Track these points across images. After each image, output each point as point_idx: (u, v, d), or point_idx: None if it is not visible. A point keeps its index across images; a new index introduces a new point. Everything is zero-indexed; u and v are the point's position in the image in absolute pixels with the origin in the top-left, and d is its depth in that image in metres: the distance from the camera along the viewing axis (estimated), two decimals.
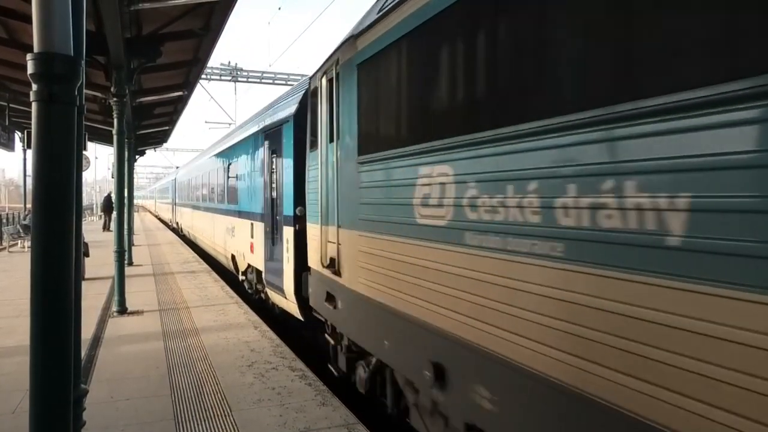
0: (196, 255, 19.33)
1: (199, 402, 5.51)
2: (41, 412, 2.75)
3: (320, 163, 6.29)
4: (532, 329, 2.85)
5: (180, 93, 15.50)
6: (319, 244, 6.34)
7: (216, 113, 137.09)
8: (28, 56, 2.64)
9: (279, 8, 27.47)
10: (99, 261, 15.21)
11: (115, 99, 9.82)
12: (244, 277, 12.68)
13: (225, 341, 7.78)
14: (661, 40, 2.18)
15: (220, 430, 4.88)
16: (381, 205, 4.62)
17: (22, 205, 26.03)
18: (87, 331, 7.85)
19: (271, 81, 32.88)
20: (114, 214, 10.74)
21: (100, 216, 35.98)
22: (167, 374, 6.36)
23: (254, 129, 11.31)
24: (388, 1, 4.59)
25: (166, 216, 39.64)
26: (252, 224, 11.14)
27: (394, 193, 4.36)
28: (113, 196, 34.85)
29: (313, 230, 6.82)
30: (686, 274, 2.07)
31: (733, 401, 1.92)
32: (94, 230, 29.29)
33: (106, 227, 30.37)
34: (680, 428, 2.09)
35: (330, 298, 6.20)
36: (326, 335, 6.92)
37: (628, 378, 2.30)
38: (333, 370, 6.84)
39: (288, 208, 8.56)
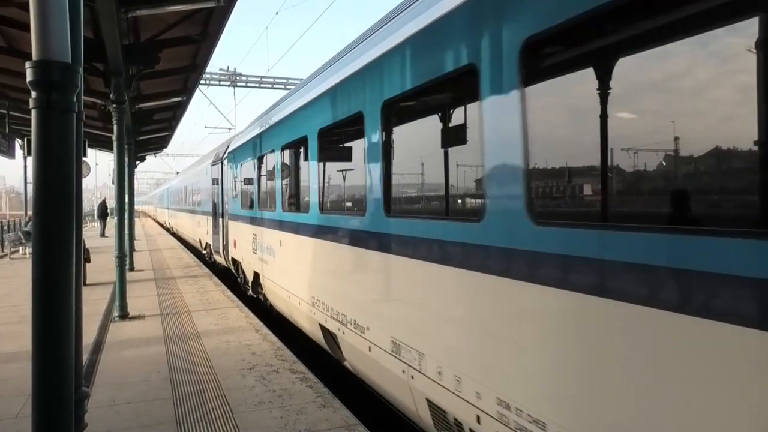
0: (197, 259, 19.37)
1: (201, 405, 5.55)
2: (43, 414, 2.80)
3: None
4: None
5: (179, 99, 15.58)
6: None
7: (216, 118, 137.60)
8: (27, 64, 2.69)
9: (276, 13, 27.54)
10: (100, 266, 15.25)
11: (114, 105, 9.89)
12: None
13: (226, 344, 7.82)
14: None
15: None
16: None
17: (24, 212, 26.10)
18: (89, 336, 7.89)
19: (270, 85, 33.00)
20: (115, 220, 10.72)
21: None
22: (168, 378, 6.39)
23: None
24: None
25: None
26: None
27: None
28: (108, 202, 34.85)
29: None
30: None
31: None
32: (93, 236, 29.36)
33: (102, 233, 30.41)
34: None
35: None
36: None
37: None
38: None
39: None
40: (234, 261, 14.04)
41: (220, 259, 16.97)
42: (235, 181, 13.31)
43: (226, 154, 14.97)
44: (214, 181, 17.18)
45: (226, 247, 15.08)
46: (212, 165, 17.63)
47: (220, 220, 15.85)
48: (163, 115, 19.15)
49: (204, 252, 20.80)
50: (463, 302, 3.88)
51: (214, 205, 17.21)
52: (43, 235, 2.78)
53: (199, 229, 22.03)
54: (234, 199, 13.38)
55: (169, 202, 42.64)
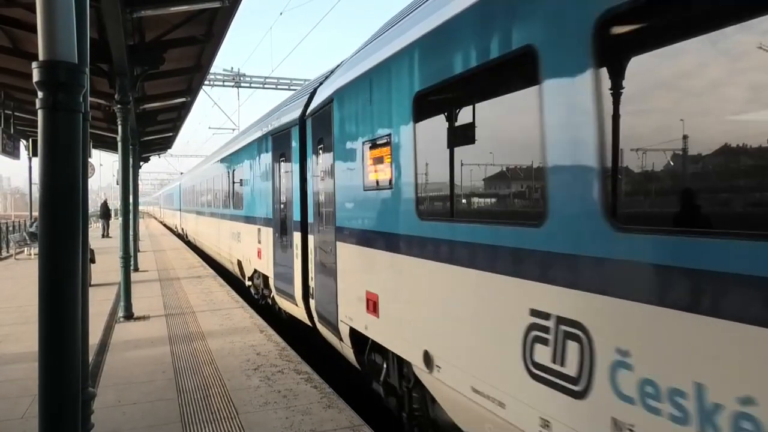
0: (201, 260, 19.40)
1: (206, 405, 5.54)
2: (49, 415, 2.79)
3: None
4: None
5: (183, 99, 15.62)
6: None
7: (220, 119, 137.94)
8: (34, 64, 2.68)
9: (280, 13, 27.56)
10: (104, 267, 15.29)
11: (119, 106, 9.90)
12: None
13: (231, 345, 7.82)
14: None
15: None
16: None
17: (28, 213, 26.21)
18: (94, 337, 7.90)
19: (273, 86, 33.05)
20: (119, 220, 10.72)
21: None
22: (174, 378, 6.39)
23: None
24: None
25: None
26: None
27: None
28: (110, 203, 34.93)
29: None
30: None
31: None
32: (97, 237, 29.46)
33: (104, 234, 30.49)
34: None
35: None
36: None
37: None
38: None
39: None
40: (357, 337, 6.25)
41: (294, 310, 9.40)
42: (366, 149, 5.67)
43: (331, 95, 6.70)
44: (279, 167, 9.91)
45: (330, 302, 7.04)
46: (273, 136, 10.31)
47: (295, 236, 8.84)
48: (168, 116, 19.19)
49: (249, 284, 13.18)
50: None
51: (281, 209, 9.88)
52: (49, 235, 2.77)
53: (238, 246, 14.01)
54: (364, 195, 5.78)
55: (182, 202, 32.18)
